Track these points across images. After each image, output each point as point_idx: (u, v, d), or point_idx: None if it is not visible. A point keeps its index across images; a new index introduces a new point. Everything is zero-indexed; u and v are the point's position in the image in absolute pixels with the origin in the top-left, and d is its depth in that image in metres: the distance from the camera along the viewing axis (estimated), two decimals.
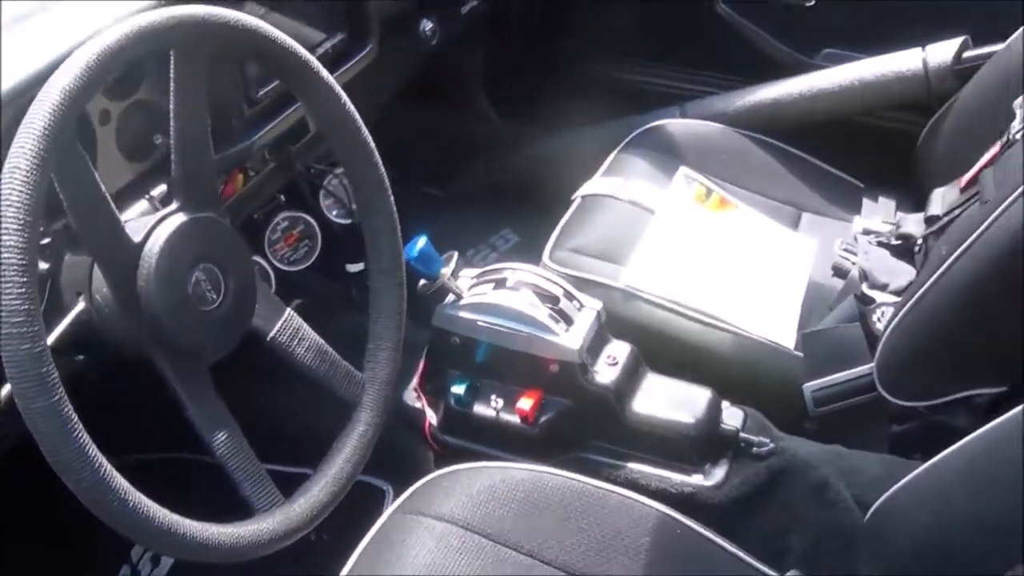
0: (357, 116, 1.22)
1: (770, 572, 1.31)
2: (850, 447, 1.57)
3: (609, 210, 1.80)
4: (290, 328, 1.18)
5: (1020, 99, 1.60)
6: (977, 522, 1.11)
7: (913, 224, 1.77)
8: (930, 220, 1.72)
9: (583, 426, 1.43)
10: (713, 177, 1.89)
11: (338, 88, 1.21)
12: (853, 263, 1.76)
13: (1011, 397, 1.49)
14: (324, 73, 1.20)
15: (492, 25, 2.17)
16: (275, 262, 1.63)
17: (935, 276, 1.45)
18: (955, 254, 1.43)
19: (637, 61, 2.26)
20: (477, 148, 2.35)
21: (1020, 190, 1.35)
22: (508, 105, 2.34)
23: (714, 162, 1.92)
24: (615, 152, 1.94)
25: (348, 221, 1.70)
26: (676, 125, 2.01)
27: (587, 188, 1.85)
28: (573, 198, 1.84)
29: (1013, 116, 1.61)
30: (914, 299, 1.48)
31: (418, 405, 1.45)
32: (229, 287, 1.12)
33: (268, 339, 1.17)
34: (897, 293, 1.68)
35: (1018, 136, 1.56)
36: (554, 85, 2.26)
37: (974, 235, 1.41)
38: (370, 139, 1.23)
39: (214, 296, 1.11)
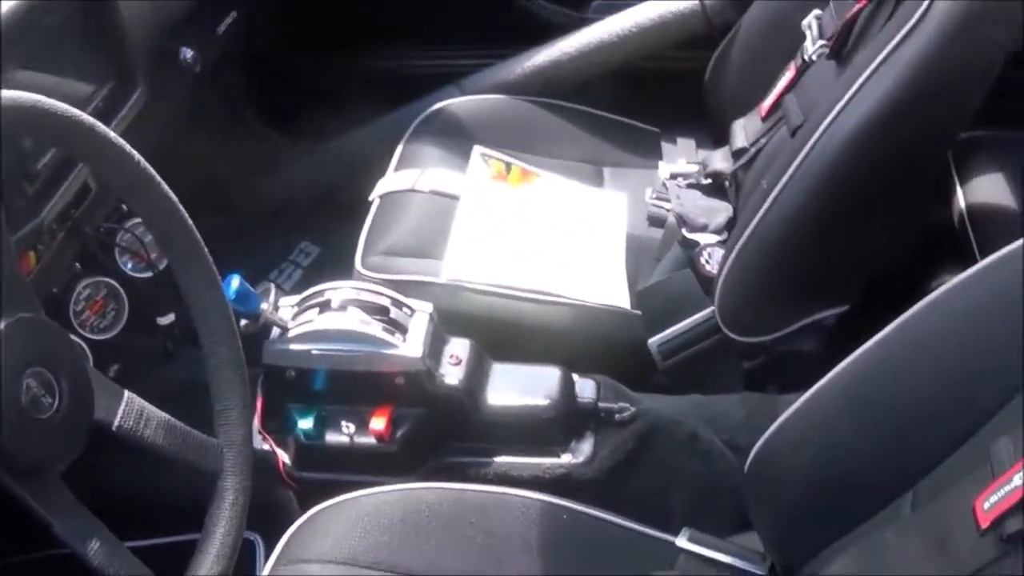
0: (154, 173, 1.12)
1: (663, 535, 1.28)
2: (706, 393, 1.56)
3: (411, 205, 1.74)
4: (133, 412, 1.09)
5: (809, 18, 1.61)
6: (870, 449, 1.11)
7: (720, 160, 1.78)
8: (737, 153, 1.73)
9: (441, 431, 1.39)
10: (508, 150, 1.85)
11: (129, 148, 1.11)
12: (667, 210, 1.75)
13: (858, 314, 1.51)
14: (112, 137, 1.09)
15: (252, 40, 2.06)
16: (86, 334, 1.52)
17: (763, 210, 1.45)
18: (779, 185, 1.43)
19: (407, 46, 2.19)
20: (257, 167, 2.25)
21: (836, 110, 1.35)
22: (283, 118, 2.25)
23: (506, 135, 1.88)
24: (402, 144, 1.87)
25: (149, 274, 1.59)
26: (458, 104, 1.96)
27: (383, 187, 1.78)
28: (371, 199, 1.76)
29: (803, 36, 1.62)
30: (745, 236, 1.48)
31: (266, 447, 1.37)
32: (63, 386, 1.02)
33: (114, 429, 1.07)
34: (718, 231, 1.68)
35: (814, 56, 1.57)
36: (328, 89, 2.17)
37: (795, 163, 1.42)
38: (172, 194, 1.13)
39: (49, 400, 1.00)
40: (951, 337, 1.06)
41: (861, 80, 1.39)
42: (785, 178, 1.45)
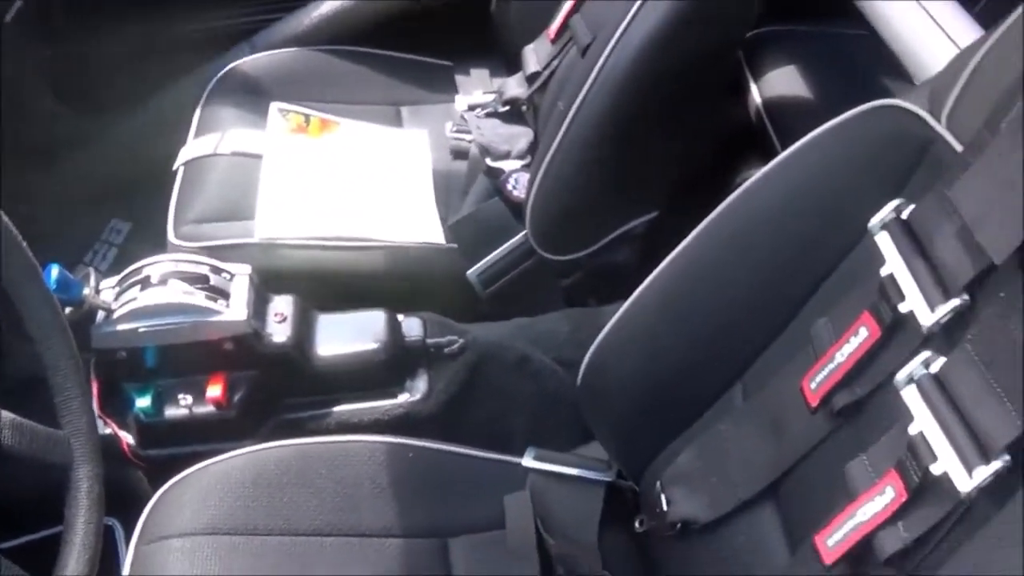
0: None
1: (509, 458, 1.29)
2: (530, 315, 1.56)
3: (216, 169, 1.68)
4: None
5: None
6: (693, 347, 1.13)
7: (515, 86, 1.76)
8: (531, 78, 1.72)
9: (277, 390, 1.36)
10: (306, 102, 1.80)
11: None
12: (469, 141, 1.73)
13: (668, 220, 1.53)
14: None
15: (43, 21, 1.94)
16: None
17: (562, 130, 1.45)
18: (575, 104, 1.43)
19: (198, 8, 2.09)
20: (56, 150, 2.12)
21: (623, 26, 1.36)
22: (82, 95, 2.13)
23: (302, 87, 1.84)
24: (199, 108, 1.79)
25: None
26: (251, 63, 1.89)
27: (184, 154, 1.72)
28: (175, 168, 1.68)
29: None
30: (548, 157, 1.48)
31: (108, 431, 1.31)
32: None
33: None
34: (521, 156, 1.68)
35: None
36: (125, 60, 2.05)
37: (589, 81, 1.42)
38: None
39: None
40: (759, 229, 1.08)
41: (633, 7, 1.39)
42: (581, 96, 1.45)
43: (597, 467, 1.30)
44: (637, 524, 1.18)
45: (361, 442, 1.27)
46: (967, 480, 0.78)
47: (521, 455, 1.29)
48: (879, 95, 1.01)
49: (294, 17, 2.00)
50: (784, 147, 1.05)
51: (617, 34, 1.42)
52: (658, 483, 1.15)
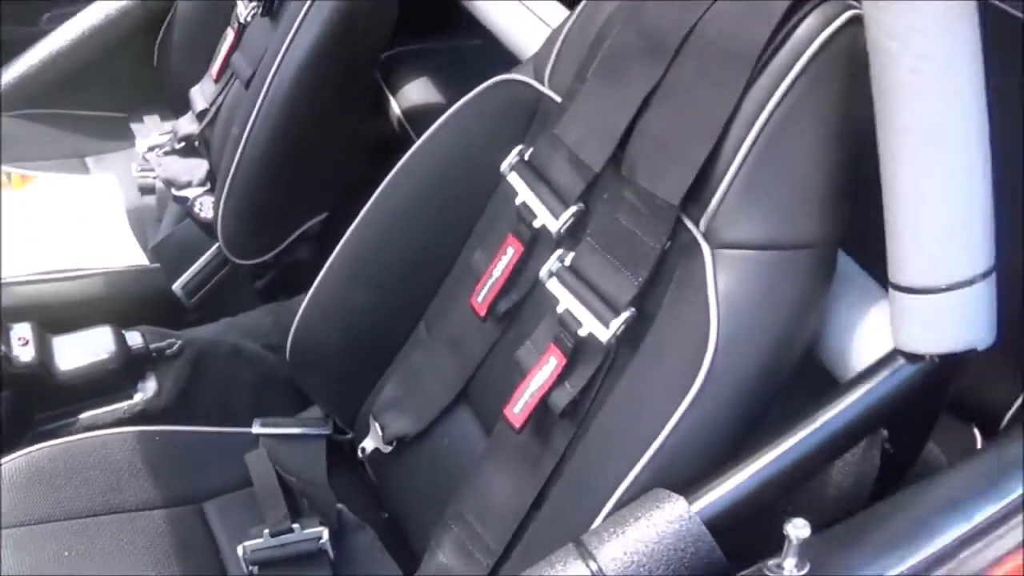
0: None
1: (240, 429, 1.41)
2: (233, 315, 1.68)
3: None
4: None
5: None
6: (379, 300, 1.32)
7: (186, 124, 1.89)
8: (201, 115, 1.85)
9: (30, 405, 1.42)
10: (8, 162, 1.84)
11: None
12: (154, 178, 1.84)
13: (337, 217, 1.70)
14: None
15: None
16: None
17: (239, 152, 1.61)
18: (247, 129, 1.59)
19: None
20: None
21: (279, 58, 1.53)
22: None
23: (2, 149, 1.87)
24: None
25: None
26: None
27: None
28: None
29: (236, 5, 1.76)
30: (230, 177, 1.64)
31: None
32: None
33: None
34: (201, 183, 1.80)
35: (250, 18, 1.72)
36: None
37: (256, 108, 1.59)
38: None
39: None
40: (417, 193, 1.28)
41: (294, 30, 1.57)
42: (251, 121, 1.61)
43: (316, 423, 1.45)
44: (360, 453, 1.34)
45: (114, 433, 1.38)
46: (606, 332, 1.01)
47: (249, 425, 1.43)
48: None
49: None
50: None
51: (275, 66, 1.59)
52: (370, 417, 1.32)
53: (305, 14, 1.56)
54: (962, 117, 0.83)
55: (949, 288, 0.87)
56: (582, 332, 1.03)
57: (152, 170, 1.86)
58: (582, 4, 1.14)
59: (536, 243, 1.13)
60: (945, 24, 0.79)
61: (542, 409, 1.08)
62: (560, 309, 1.06)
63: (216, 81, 1.85)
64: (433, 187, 1.26)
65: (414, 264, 1.30)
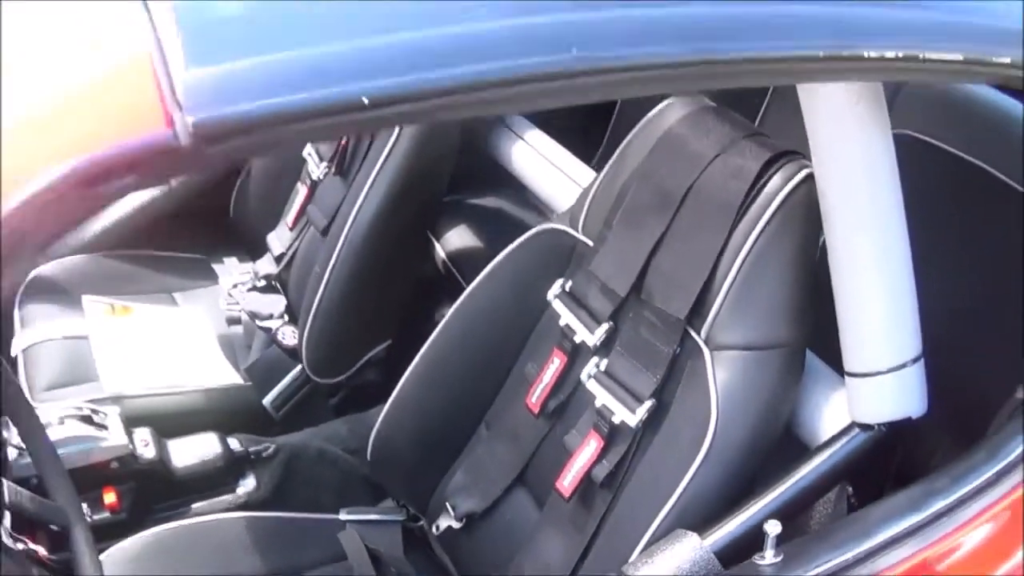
0: None
1: (329, 516, 1.74)
2: (314, 426, 2.03)
3: (54, 351, 2.05)
4: None
5: (308, 148, 2.14)
6: (450, 406, 1.66)
7: (266, 266, 2.26)
8: (279, 258, 2.21)
9: (151, 496, 1.75)
10: (106, 295, 2.21)
11: None
12: (240, 310, 2.20)
13: (398, 345, 2.06)
14: None
15: None
16: None
17: (321, 288, 1.96)
18: (328, 269, 1.94)
19: None
20: None
21: (355, 210, 1.91)
22: None
23: (98, 284, 2.24)
24: (16, 308, 2.16)
25: None
26: (50, 268, 2.27)
27: (19, 344, 2.07)
28: (14, 355, 2.05)
29: (304, 163, 2.15)
30: (314, 308, 1.98)
31: (20, 546, 1.65)
32: None
33: None
34: (280, 316, 2.16)
35: (322, 176, 2.10)
36: None
37: (336, 252, 1.96)
38: None
39: None
40: (479, 319, 1.63)
41: (367, 188, 1.95)
42: (331, 265, 1.98)
43: (392, 511, 1.79)
44: (433, 531, 1.67)
45: (225, 518, 1.71)
46: (634, 418, 1.36)
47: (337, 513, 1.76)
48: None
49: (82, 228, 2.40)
50: (468, 283, 1.61)
51: (351, 217, 1.96)
52: (444, 500, 1.65)
53: (376, 175, 1.95)
54: (888, 243, 1.20)
55: (889, 370, 1.23)
56: (615, 420, 1.38)
57: (237, 304, 2.22)
58: (606, 169, 1.51)
59: (576, 355, 1.49)
60: (871, 177, 1.17)
61: (586, 481, 1.42)
62: (598, 403, 1.41)
63: (291, 229, 2.23)
64: (492, 313, 1.62)
65: (477, 376, 1.64)
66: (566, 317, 1.49)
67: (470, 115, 0.82)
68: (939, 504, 1.12)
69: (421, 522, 1.75)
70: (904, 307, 1.24)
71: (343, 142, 2.08)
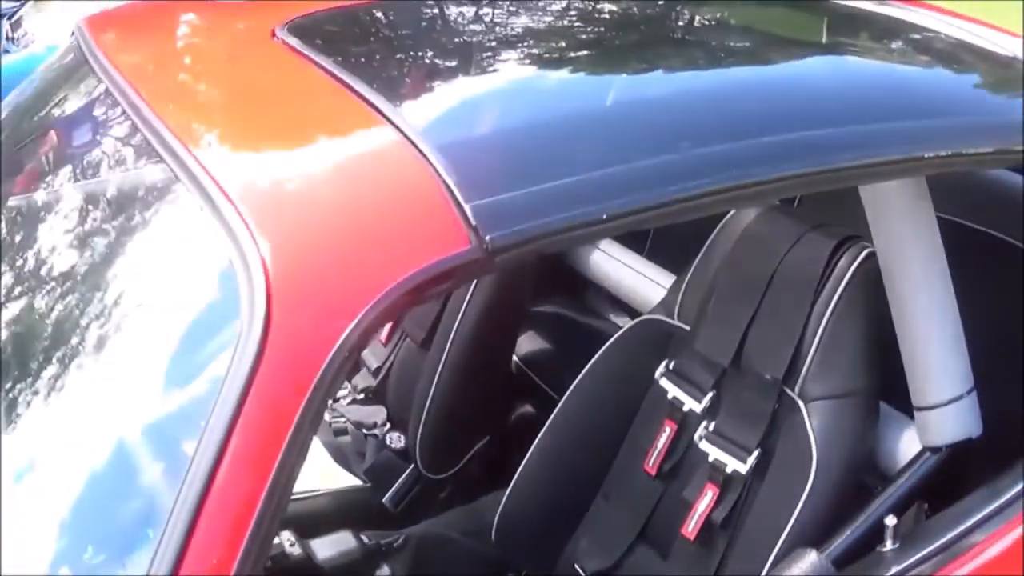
0: None
1: None
2: (431, 517, 2.32)
3: None
4: None
5: None
6: (569, 483, 1.95)
7: (364, 379, 2.56)
8: (376, 372, 2.53)
9: None
10: None
11: None
12: (345, 422, 2.50)
13: (498, 441, 2.36)
14: None
15: None
16: None
17: (430, 396, 2.26)
18: (434, 380, 2.25)
19: None
20: None
21: (455, 326, 2.23)
22: None
23: None
24: None
25: None
26: None
27: None
28: None
29: None
30: (423, 419, 2.28)
31: None
32: None
33: None
34: (383, 424, 2.46)
35: None
36: None
37: (440, 362, 2.26)
38: None
39: None
40: (593, 403, 1.94)
41: (466, 300, 2.27)
42: (438, 372, 2.28)
43: None
44: None
45: None
46: (744, 467, 1.67)
47: None
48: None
49: None
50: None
51: (453, 331, 2.28)
52: (571, 565, 1.94)
53: (473, 289, 2.28)
54: (940, 299, 1.54)
55: (950, 402, 1.56)
56: (728, 470, 1.70)
57: (342, 416, 2.53)
58: (695, 264, 1.85)
59: (686, 421, 1.80)
60: (922, 249, 1.52)
61: (707, 526, 1.72)
62: (711, 459, 1.72)
63: (385, 345, 2.55)
64: (602, 396, 1.93)
65: (592, 453, 1.94)
66: (673, 391, 1.81)
67: (661, 224, 1.15)
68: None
69: None
70: (958, 351, 1.58)
71: None
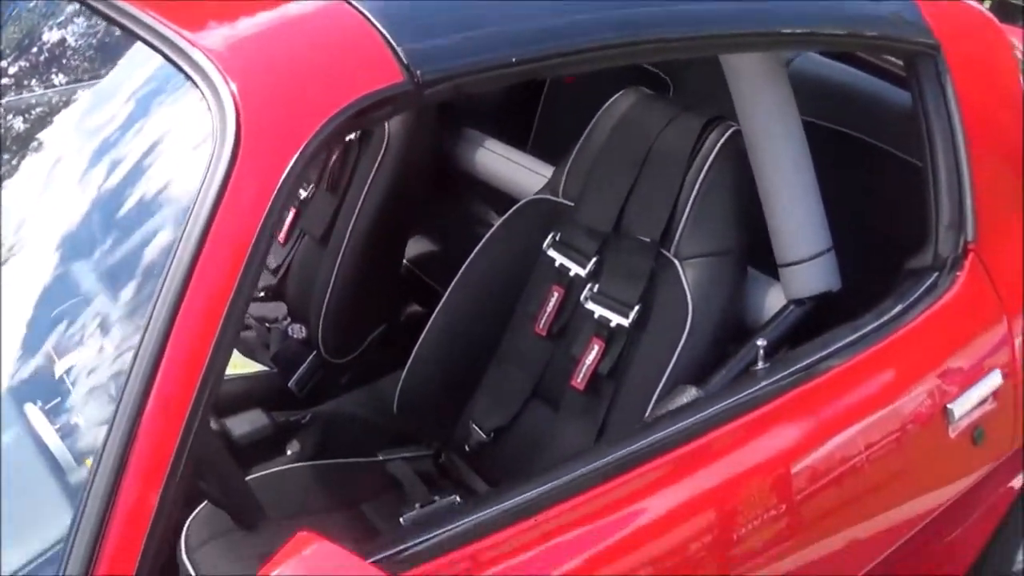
0: None
1: (368, 459, 2.18)
2: (335, 399, 2.46)
3: None
4: None
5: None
6: (465, 353, 2.12)
7: (263, 279, 2.68)
8: (276, 270, 2.66)
9: None
10: None
11: None
12: (248, 317, 2.63)
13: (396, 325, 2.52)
14: None
15: None
16: None
17: (330, 286, 2.41)
18: (334, 269, 2.40)
19: None
20: None
21: (355, 216, 2.39)
22: None
23: None
24: None
25: None
26: None
27: None
28: None
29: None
30: (326, 298, 2.42)
31: None
32: None
33: None
34: (286, 318, 2.60)
35: (309, 196, 2.56)
36: None
37: (339, 256, 2.42)
38: None
39: None
40: (486, 274, 2.10)
41: (362, 197, 2.42)
42: (337, 264, 2.42)
43: (421, 449, 2.24)
44: (467, 448, 2.12)
45: (287, 468, 2.13)
46: (626, 321, 1.87)
47: None
48: None
49: None
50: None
51: (351, 223, 2.42)
52: (470, 424, 2.11)
53: (368, 187, 2.42)
54: (798, 167, 1.75)
55: (811, 258, 1.78)
56: (612, 325, 1.89)
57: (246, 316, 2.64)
58: (576, 149, 2.03)
59: (572, 285, 1.98)
60: (781, 123, 1.72)
61: (595, 377, 1.91)
62: (596, 316, 1.91)
63: (284, 244, 2.67)
64: (495, 270, 2.10)
65: (486, 323, 2.12)
66: (560, 259, 1.99)
67: (558, 73, 1.32)
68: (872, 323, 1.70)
69: (442, 458, 2.21)
70: (816, 212, 1.80)
71: (330, 163, 2.54)
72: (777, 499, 1.56)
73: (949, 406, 1.76)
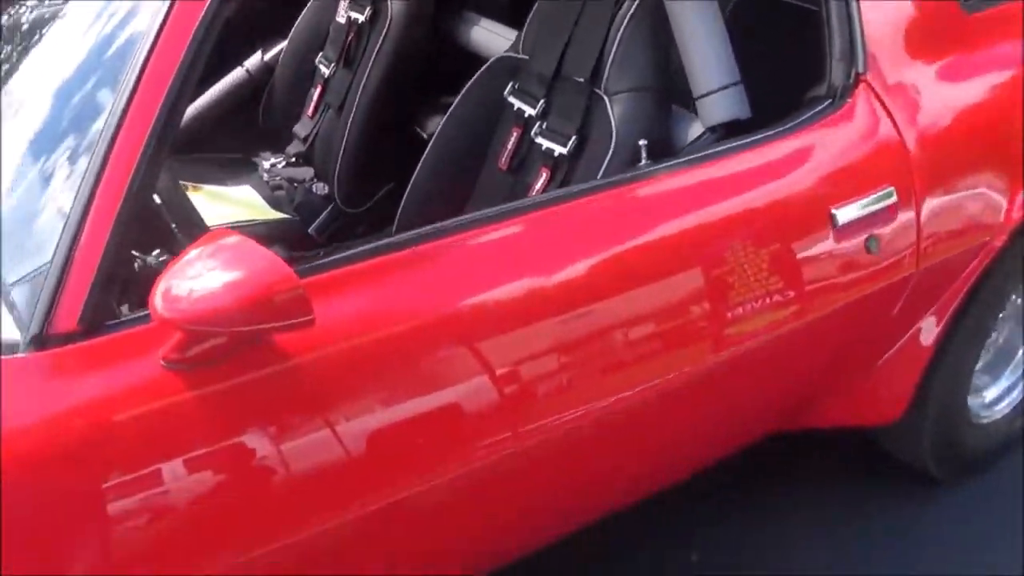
0: None
1: None
2: None
3: None
4: None
5: (318, 57, 2.97)
6: (450, 188, 2.46)
7: (295, 147, 3.06)
8: (305, 139, 3.03)
9: None
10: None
11: None
12: (280, 179, 3.01)
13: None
14: None
15: None
16: None
17: (343, 144, 2.78)
18: (346, 130, 2.76)
19: None
20: None
21: (362, 81, 2.73)
22: None
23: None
24: None
25: None
26: None
27: None
28: None
29: (316, 69, 2.98)
30: (339, 157, 2.80)
31: None
32: None
33: None
34: (313, 179, 2.97)
35: (331, 74, 2.92)
36: None
37: (347, 128, 2.79)
38: None
39: None
40: (462, 125, 2.45)
41: (368, 69, 2.78)
42: (347, 126, 2.79)
43: None
44: None
45: None
46: (565, 150, 2.20)
47: None
48: None
49: None
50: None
51: (359, 90, 2.79)
52: None
53: (373, 60, 2.78)
54: (705, 8, 2.05)
55: (721, 89, 2.09)
56: (555, 154, 2.22)
57: (277, 175, 3.03)
58: (533, 10, 2.35)
59: (527, 125, 2.32)
60: None
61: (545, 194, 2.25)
62: (543, 148, 2.25)
63: (311, 118, 3.05)
64: (469, 118, 2.45)
65: (464, 165, 2.46)
66: (517, 103, 2.33)
67: None
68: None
69: None
70: (723, 49, 2.10)
71: (347, 44, 2.90)
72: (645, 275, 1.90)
73: (833, 210, 2.05)
